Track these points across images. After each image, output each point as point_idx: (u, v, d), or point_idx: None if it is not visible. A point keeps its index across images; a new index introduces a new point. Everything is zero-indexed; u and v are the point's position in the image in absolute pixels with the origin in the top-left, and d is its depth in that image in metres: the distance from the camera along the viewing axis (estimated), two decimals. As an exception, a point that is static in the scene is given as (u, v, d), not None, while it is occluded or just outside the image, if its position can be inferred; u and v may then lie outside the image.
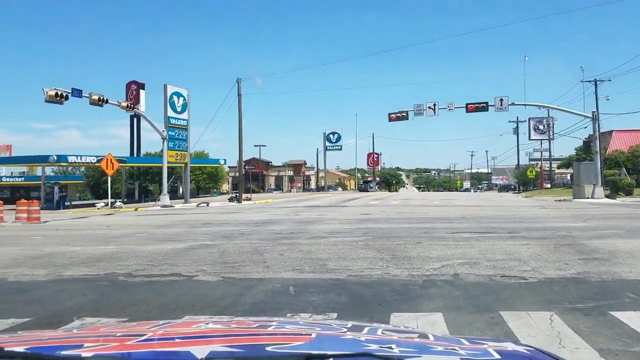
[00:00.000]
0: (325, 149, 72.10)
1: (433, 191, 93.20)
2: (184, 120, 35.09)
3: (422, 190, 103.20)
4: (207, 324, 1.62)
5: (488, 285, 5.91)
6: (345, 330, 1.42)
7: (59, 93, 22.55)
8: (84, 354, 1.04)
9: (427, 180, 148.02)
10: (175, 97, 34.35)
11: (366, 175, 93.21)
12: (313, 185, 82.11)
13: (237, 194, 35.05)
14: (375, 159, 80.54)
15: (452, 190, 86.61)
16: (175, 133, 34.21)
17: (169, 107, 33.59)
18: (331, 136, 72.18)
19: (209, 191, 63.13)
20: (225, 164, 57.43)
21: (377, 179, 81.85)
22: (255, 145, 57.01)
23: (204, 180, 59.28)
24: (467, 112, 33.09)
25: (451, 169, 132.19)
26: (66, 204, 37.19)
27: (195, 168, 51.47)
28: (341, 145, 72.60)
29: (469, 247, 9.03)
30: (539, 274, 6.49)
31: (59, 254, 9.38)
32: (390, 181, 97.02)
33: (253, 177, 65.02)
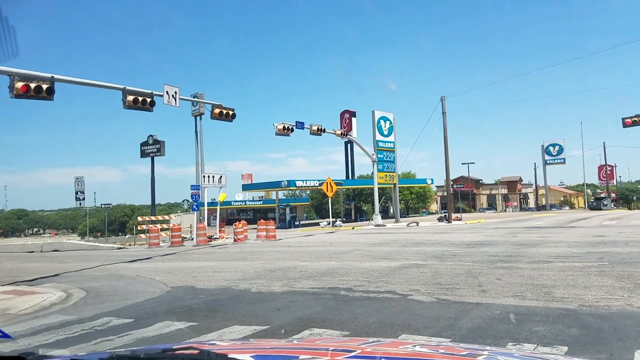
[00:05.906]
0: (545, 163, 65.30)
1: None
2: (390, 142, 36.56)
3: None
4: (414, 346, 1.62)
5: None
6: None
7: (286, 126, 26.00)
8: None
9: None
10: (382, 122, 36.14)
11: (598, 191, 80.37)
12: (532, 204, 75.06)
13: (447, 214, 34.38)
14: (608, 172, 69.28)
15: None
16: (384, 155, 35.85)
17: (376, 131, 35.52)
18: (551, 148, 65.06)
19: (417, 211, 63.61)
20: (432, 183, 57.28)
21: (612, 195, 69.69)
22: (463, 163, 55.19)
23: (413, 200, 60.14)
24: None
25: None
26: (296, 223, 42.67)
27: (403, 188, 52.80)
28: (564, 159, 64.87)
29: None
30: None
31: (291, 268, 10.75)
32: (629, 197, 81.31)
33: (462, 196, 62.96)
